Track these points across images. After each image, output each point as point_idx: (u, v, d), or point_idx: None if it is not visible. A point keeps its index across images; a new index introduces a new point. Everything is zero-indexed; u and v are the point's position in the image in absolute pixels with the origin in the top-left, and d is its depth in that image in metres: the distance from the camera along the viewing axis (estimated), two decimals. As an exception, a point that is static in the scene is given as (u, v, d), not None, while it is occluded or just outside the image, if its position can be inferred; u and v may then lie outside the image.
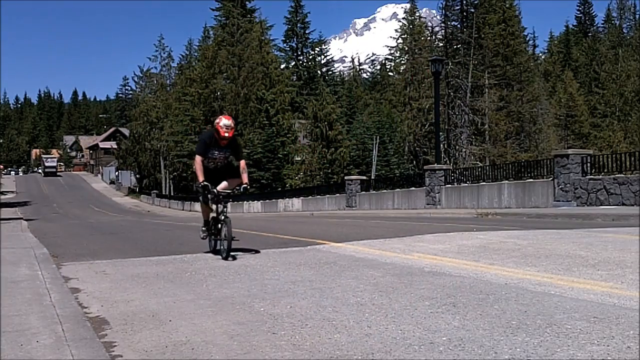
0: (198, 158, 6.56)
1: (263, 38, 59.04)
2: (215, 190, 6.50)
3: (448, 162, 41.63)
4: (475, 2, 48.79)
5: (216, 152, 6.60)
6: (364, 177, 30.97)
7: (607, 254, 5.69)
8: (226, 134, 6.42)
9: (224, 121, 6.48)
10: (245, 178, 6.64)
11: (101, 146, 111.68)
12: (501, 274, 4.92)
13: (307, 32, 69.76)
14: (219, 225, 6.57)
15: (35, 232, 12.88)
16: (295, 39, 69.15)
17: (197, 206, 50.78)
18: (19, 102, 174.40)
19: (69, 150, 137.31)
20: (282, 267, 5.76)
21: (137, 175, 76.48)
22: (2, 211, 30.76)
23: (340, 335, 3.16)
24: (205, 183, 6.46)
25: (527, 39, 65.85)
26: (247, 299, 4.21)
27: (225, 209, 6.55)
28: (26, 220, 21.79)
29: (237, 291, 4.57)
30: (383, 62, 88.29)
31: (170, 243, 9.21)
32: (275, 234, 10.03)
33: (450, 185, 20.83)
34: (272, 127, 50.78)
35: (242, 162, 6.73)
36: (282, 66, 62.57)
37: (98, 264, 6.53)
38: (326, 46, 75.38)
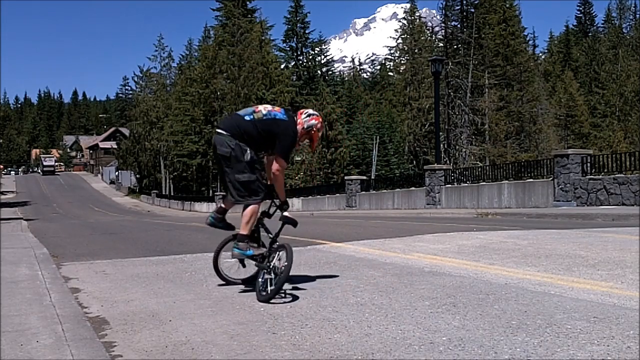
0: (284, 165, 4.48)
1: (263, 38, 59.04)
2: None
3: (448, 162, 41.62)
4: (475, 2, 48.81)
5: None
6: (364, 177, 30.99)
7: (607, 254, 5.69)
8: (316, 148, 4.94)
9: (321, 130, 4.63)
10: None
11: (101, 146, 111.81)
12: (501, 274, 4.92)
13: (307, 32, 69.75)
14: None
15: (35, 232, 12.87)
16: (295, 39, 69.11)
17: (197, 206, 51.14)
18: (19, 102, 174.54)
19: (69, 150, 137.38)
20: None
21: (137, 175, 76.52)
22: (2, 211, 30.76)
23: (340, 335, 3.16)
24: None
25: (527, 39, 65.86)
26: (247, 299, 4.20)
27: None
28: (26, 220, 21.79)
29: (237, 291, 4.57)
30: (383, 62, 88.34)
31: (170, 243, 9.21)
32: (275, 234, 10.00)
33: (450, 185, 20.84)
34: (272, 127, 50.73)
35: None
36: (282, 66, 62.54)
37: (98, 264, 6.52)
38: (326, 46, 75.29)
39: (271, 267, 4.22)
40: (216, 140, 4.46)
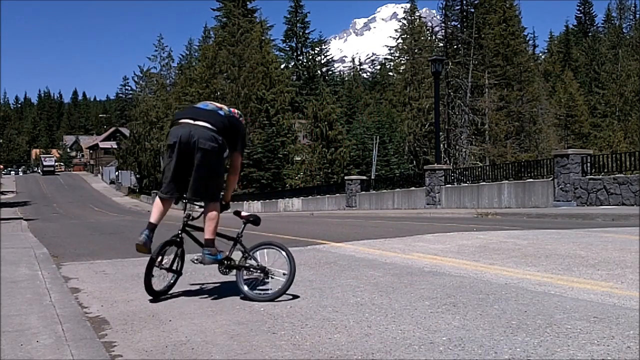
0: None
1: (263, 38, 59.06)
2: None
3: (448, 162, 41.62)
4: (475, 2, 48.84)
5: None
6: (364, 177, 30.98)
7: (607, 254, 5.69)
8: None
9: None
10: None
11: (101, 146, 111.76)
12: (501, 274, 4.92)
13: (307, 32, 69.86)
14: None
15: (35, 232, 12.88)
16: (295, 39, 69.20)
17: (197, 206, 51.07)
18: (19, 102, 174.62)
19: (69, 150, 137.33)
20: (282, 267, 5.74)
21: (137, 175, 76.48)
22: (2, 211, 30.76)
23: (340, 335, 3.16)
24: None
25: (527, 39, 65.86)
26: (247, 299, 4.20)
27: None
28: (26, 220, 21.78)
29: (237, 291, 4.56)
30: (383, 62, 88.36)
31: (170, 243, 9.20)
32: (275, 234, 10.01)
33: (450, 185, 20.83)
34: (272, 127, 50.77)
35: None
36: (282, 66, 62.55)
37: (98, 263, 6.52)
38: (326, 46, 75.39)
39: (263, 266, 4.18)
40: (201, 134, 4.09)
